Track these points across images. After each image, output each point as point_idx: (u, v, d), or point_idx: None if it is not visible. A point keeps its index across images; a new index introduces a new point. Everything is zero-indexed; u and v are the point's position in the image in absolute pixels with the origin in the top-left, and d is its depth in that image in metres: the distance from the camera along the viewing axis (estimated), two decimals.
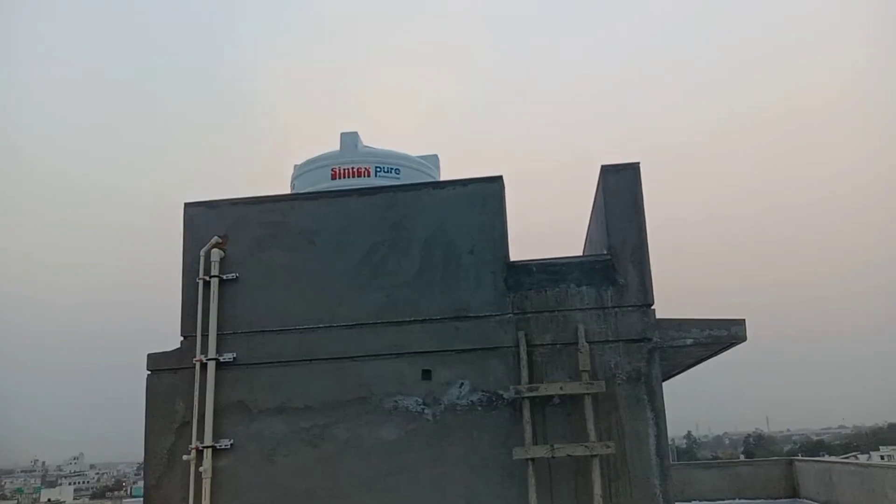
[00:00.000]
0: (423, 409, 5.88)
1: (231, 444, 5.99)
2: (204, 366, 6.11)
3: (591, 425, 5.53)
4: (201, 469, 5.85)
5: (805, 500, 16.60)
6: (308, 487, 5.87)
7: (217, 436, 5.99)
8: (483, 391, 5.85)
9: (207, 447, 5.93)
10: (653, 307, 5.90)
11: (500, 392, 5.82)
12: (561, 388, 5.65)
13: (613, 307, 5.90)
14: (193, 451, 5.92)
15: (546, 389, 5.66)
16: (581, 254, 7.80)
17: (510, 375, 5.81)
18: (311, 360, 6.08)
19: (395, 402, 5.92)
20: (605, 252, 6.09)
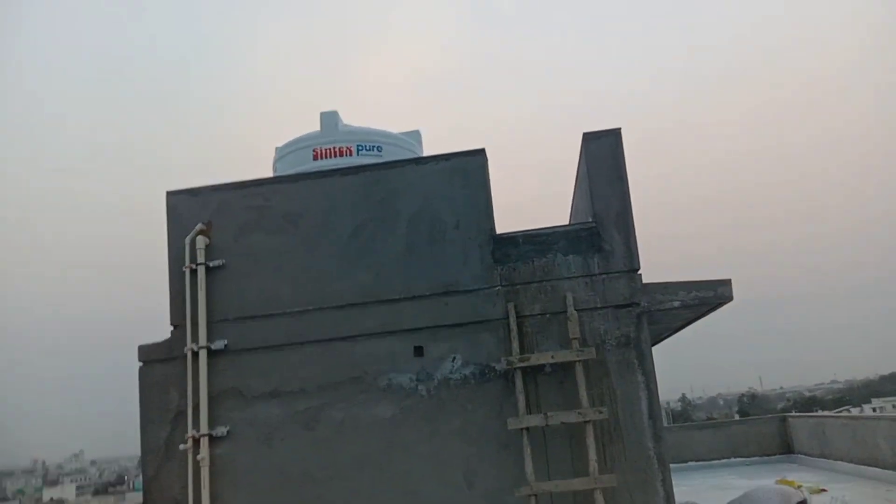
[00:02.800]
0: (417, 385, 5.91)
1: (227, 432, 6.00)
2: (196, 354, 6.10)
3: (583, 392, 5.57)
4: (199, 458, 5.87)
5: (799, 455, 16.86)
6: (306, 469, 5.90)
7: (213, 424, 6.00)
8: (475, 364, 5.88)
9: (204, 436, 5.94)
10: (639, 272, 5.93)
11: (493, 364, 5.85)
12: (552, 357, 5.68)
13: (600, 274, 5.92)
14: (190, 441, 5.93)
15: (537, 359, 5.69)
16: (568, 223, 7.80)
17: (501, 347, 5.84)
18: (302, 342, 6.08)
19: (389, 379, 5.95)
20: (590, 220, 6.10)
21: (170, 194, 6.48)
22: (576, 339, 5.71)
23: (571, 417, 5.54)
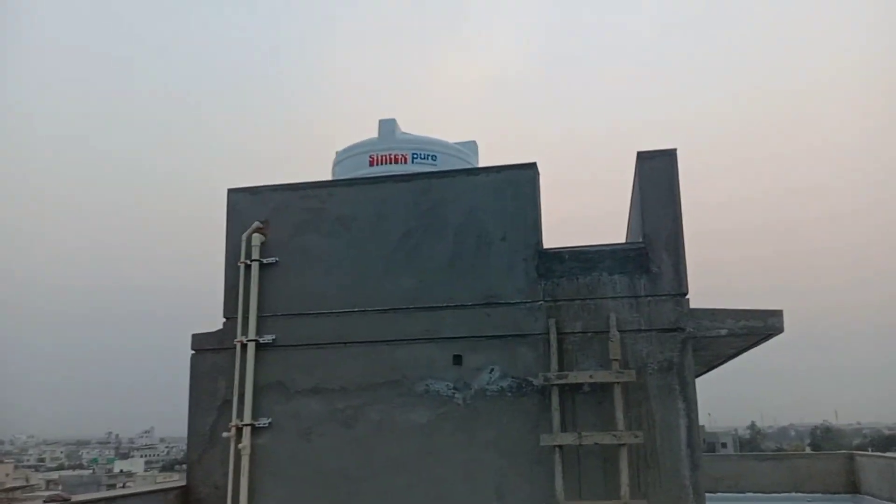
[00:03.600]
0: (454, 393, 5.97)
1: (269, 423, 6.20)
2: (244, 346, 6.33)
3: (619, 414, 5.51)
4: (240, 446, 6.08)
5: (866, 497, 16.08)
6: (342, 466, 6.03)
7: (256, 414, 6.21)
8: (513, 377, 5.89)
9: (247, 425, 6.15)
10: (687, 296, 5.82)
11: (530, 379, 5.85)
12: (590, 377, 5.64)
13: (646, 296, 5.84)
14: (233, 429, 6.15)
15: (575, 377, 5.66)
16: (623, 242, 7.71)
17: (540, 362, 5.84)
18: (346, 342, 6.22)
19: (427, 385, 6.02)
20: (640, 240, 6.02)
21: (231, 192, 6.75)
22: (616, 360, 5.65)
23: (606, 439, 5.48)
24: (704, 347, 6.45)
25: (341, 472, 6.03)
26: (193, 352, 6.57)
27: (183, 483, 6.35)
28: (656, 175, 6.05)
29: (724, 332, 5.73)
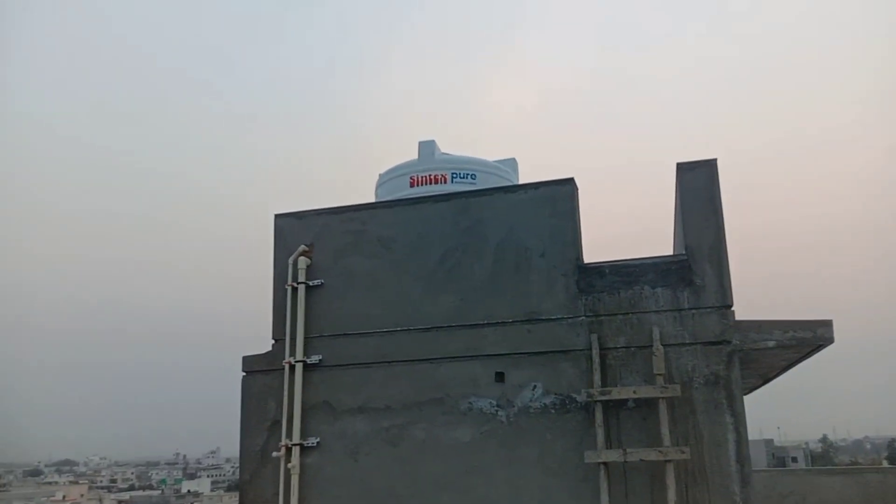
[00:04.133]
0: (497, 410, 5.98)
1: (317, 443, 6.32)
2: (292, 367, 6.48)
3: (665, 430, 5.44)
4: (289, 465, 6.21)
5: None
6: (389, 485, 6.10)
7: (305, 434, 6.34)
8: (556, 394, 5.88)
9: (296, 445, 6.28)
10: (732, 308, 5.72)
11: (573, 395, 5.82)
12: (634, 392, 5.59)
13: (690, 309, 5.76)
14: (283, 449, 6.29)
15: (619, 393, 5.62)
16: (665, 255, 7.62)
17: (583, 378, 5.81)
18: (390, 361, 6.31)
19: (470, 403, 6.05)
20: (683, 252, 5.96)
21: (277, 217, 6.95)
22: (660, 375, 5.58)
23: (651, 455, 5.41)
24: (753, 360, 6.31)
25: (388, 490, 6.09)
26: (245, 373, 6.75)
27: (237, 502, 6.50)
28: (697, 186, 5.99)
29: (771, 343, 5.61)
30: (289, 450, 6.29)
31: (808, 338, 5.58)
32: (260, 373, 6.68)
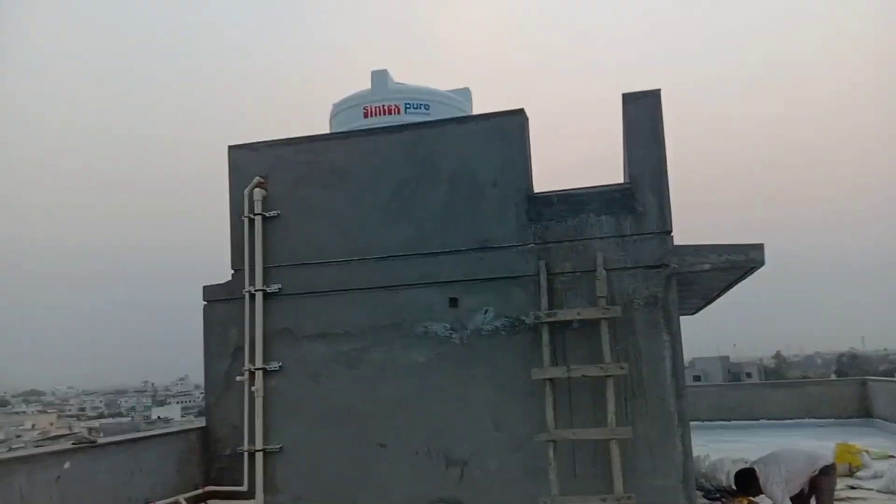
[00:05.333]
0: (451, 334, 6.29)
1: (280, 367, 6.59)
2: (253, 296, 6.69)
3: (606, 348, 5.80)
4: (253, 389, 6.50)
5: (878, 420, 16.40)
6: (349, 405, 6.43)
7: (267, 359, 6.61)
8: (506, 317, 6.19)
9: (259, 369, 6.55)
10: (671, 234, 6.02)
11: (522, 318, 6.14)
12: (578, 314, 5.92)
13: (632, 235, 6.05)
14: (246, 373, 6.56)
15: (564, 315, 5.95)
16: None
17: (531, 302, 6.12)
18: (348, 289, 6.55)
19: (426, 327, 6.35)
20: (626, 181, 6.21)
21: (231, 149, 7.00)
22: (602, 297, 5.91)
23: (592, 371, 5.79)
24: (691, 283, 6.68)
25: (349, 409, 6.43)
26: (206, 302, 6.94)
27: (203, 424, 6.80)
28: (641, 116, 6.19)
29: (706, 266, 5.95)
30: (252, 374, 6.56)
31: (741, 260, 5.93)
32: (221, 301, 6.88)
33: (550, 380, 5.87)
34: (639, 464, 5.76)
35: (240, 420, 6.58)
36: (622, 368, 5.75)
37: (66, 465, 4.97)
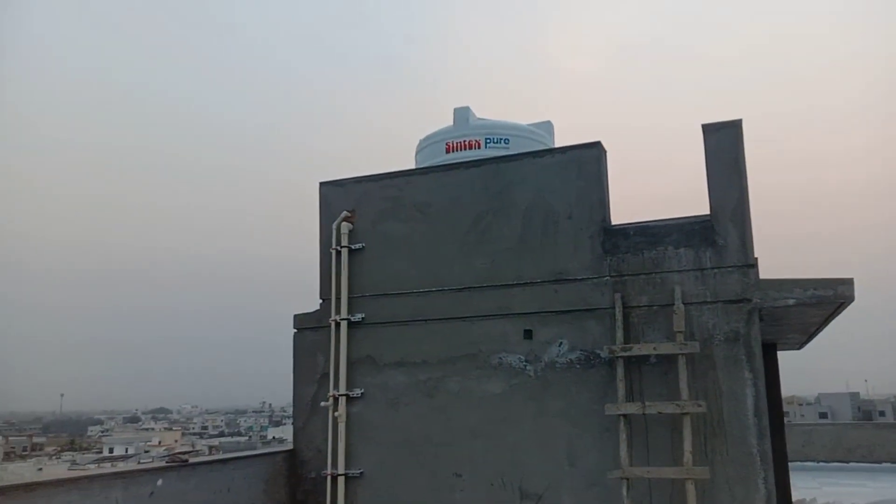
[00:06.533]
0: (526, 365, 6.33)
1: (361, 393, 6.83)
2: (338, 325, 6.98)
3: (683, 384, 5.67)
4: (336, 414, 6.76)
5: None
6: (426, 432, 6.58)
7: (350, 385, 6.87)
8: (581, 350, 6.17)
9: (342, 395, 6.82)
10: (754, 267, 5.84)
11: (597, 351, 6.10)
12: (654, 349, 5.83)
13: (712, 268, 5.91)
14: (331, 399, 6.84)
15: (639, 349, 5.86)
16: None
17: (607, 335, 6.07)
18: (426, 319, 6.73)
19: (500, 358, 6.42)
20: (707, 213, 6.08)
21: (322, 185, 7.39)
22: (680, 332, 5.79)
23: (669, 408, 5.67)
24: (782, 317, 6.41)
25: (425, 437, 6.57)
26: (296, 330, 7.31)
27: (290, 447, 7.13)
28: (721, 146, 6.07)
29: (791, 301, 5.72)
30: (336, 400, 6.83)
31: (829, 296, 5.66)
32: (309, 330, 7.22)
33: (625, 416, 5.79)
34: None
35: (324, 444, 6.85)
36: (700, 406, 5.59)
37: (159, 482, 5.36)
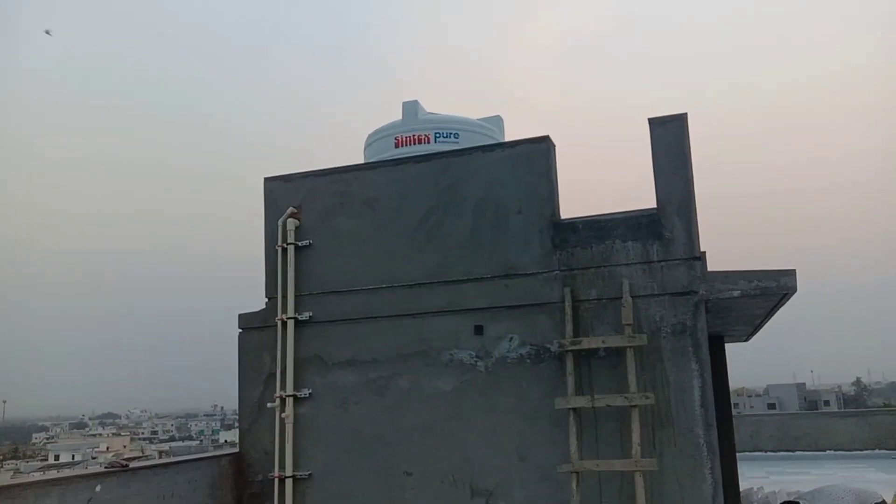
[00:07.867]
0: (477, 361, 6.28)
1: (309, 394, 6.70)
2: (285, 324, 6.83)
3: (632, 377, 5.69)
4: (283, 415, 6.61)
5: None
6: (376, 432, 6.48)
7: (297, 386, 6.72)
8: (531, 345, 6.15)
9: (289, 396, 6.67)
10: (700, 260, 5.89)
11: (548, 346, 6.09)
12: (603, 342, 5.84)
13: (659, 261, 5.95)
14: (278, 400, 6.69)
15: (588, 343, 5.87)
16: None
17: (557, 330, 6.06)
18: (375, 317, 6.62)
19: (451, 355, 6.36)
20: (654, 207, 6.11)
21: (267, 180, 7.22)
22: (629, 325, 5.81)
23: (617, 401, 5.68)
24: (729, 309, 6.50)
25: (376, 436, 6.47)
26: (241, 330, 7.13)
27: (236, 450, 6.95)
28: (667, 140, 6.11)
29: (736, 293, 5.79)
30: (283, 400, 6.68)
31: (772, 287, 5.74)
32: (255, 329, 7.05)
33: (575, 409, 5.79)
34: (666, 496, 5.60)
35: (272, 446, 6.69)
36: (648, 398, 5.62)
37: (98, 488, 5.16)
